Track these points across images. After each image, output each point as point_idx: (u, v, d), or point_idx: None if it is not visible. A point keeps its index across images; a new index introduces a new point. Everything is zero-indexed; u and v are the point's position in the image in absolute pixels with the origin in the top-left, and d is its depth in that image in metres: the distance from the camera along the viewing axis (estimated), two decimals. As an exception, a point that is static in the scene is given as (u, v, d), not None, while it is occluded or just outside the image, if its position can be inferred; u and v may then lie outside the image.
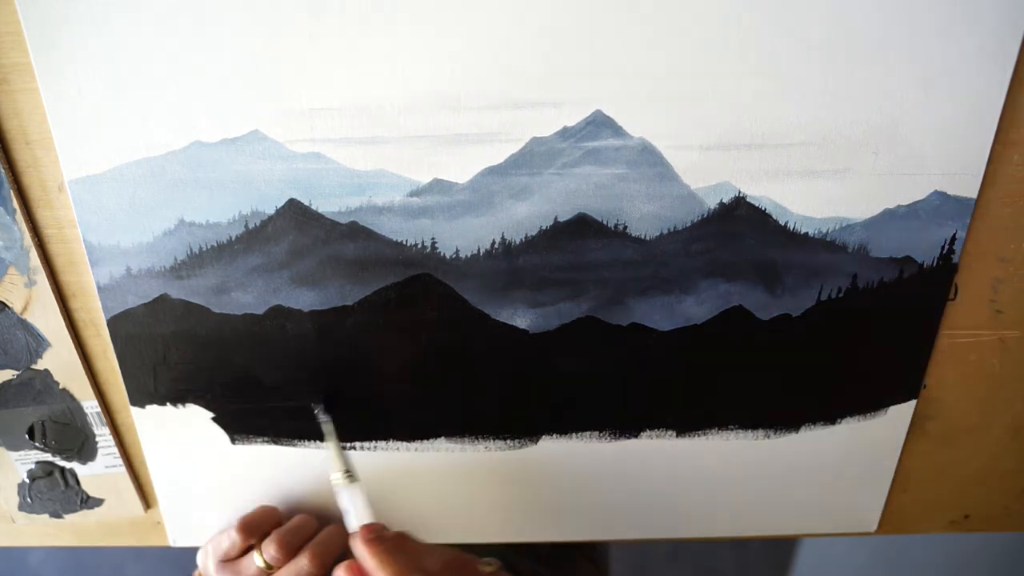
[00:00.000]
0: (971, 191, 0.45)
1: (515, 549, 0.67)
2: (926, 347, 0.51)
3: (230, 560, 0.53)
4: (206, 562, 0.54)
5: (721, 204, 0.46)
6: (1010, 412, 0.56)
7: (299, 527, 0.54)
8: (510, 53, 0.42)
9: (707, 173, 0.45)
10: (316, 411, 0.52)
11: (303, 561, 0.51)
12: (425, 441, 0.55)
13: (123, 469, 0.57)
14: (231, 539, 0.53)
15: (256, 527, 0.53)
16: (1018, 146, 0.45)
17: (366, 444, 0.55)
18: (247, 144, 0.44)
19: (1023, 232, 0.48)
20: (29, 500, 0.58)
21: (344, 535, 0.52)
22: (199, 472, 0.56)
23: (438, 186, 0.45)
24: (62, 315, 0.50)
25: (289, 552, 0.52)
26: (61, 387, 0.53)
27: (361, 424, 0.54)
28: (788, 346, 0.51)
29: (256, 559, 0.51)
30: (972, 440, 0.57)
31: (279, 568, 0.51)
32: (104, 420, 0.54)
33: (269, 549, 0.51)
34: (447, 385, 0.52)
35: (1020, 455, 0.58)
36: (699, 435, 0.55)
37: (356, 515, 0.49)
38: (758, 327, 0.50)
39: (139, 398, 0.52)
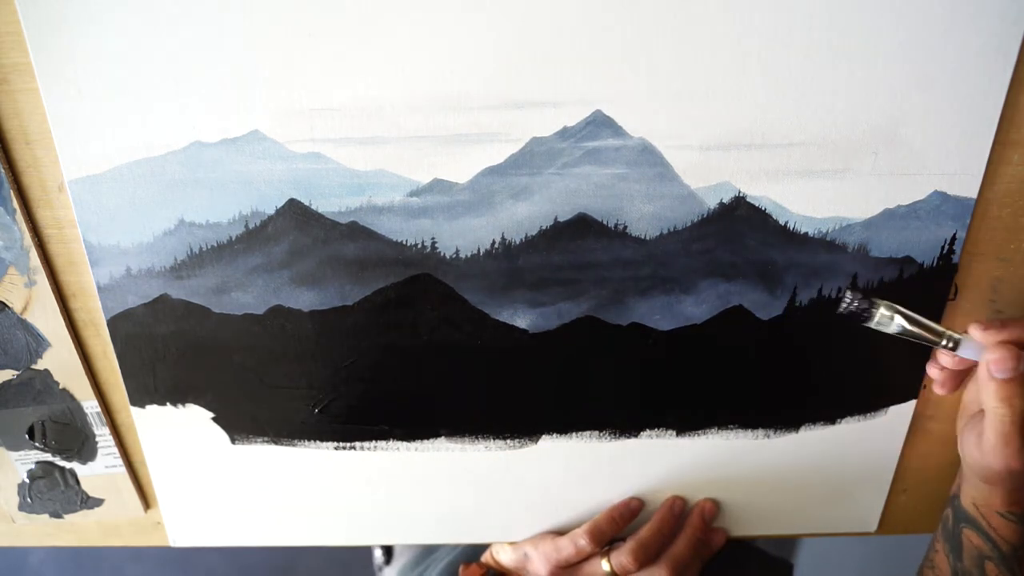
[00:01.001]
0: (971, 191, 0.45)
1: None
2: (926, 347, 0.51)
3: (570, 566, 0.53)
4: (535, 568, 0.53)
5: (721, 204, 0.46)
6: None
7: (654, 536, 0.53)
8: (510, 53, 0.42)
9: (707, 173, 0.45)
10: (851, 299, 0.47)
11: (657, 573, 0.50)
12: (425, 441, 0.55)
13: (123, 469, 0.57)
14: (577, 546, 0.53)
15: (605, 535, 0.54)
16: (1018, 146, 0.45)
17: (366, 444, 0.55)
18: (247, 144, 0.44)
19: (1023, 232, 0.48)
20: (29, 500, 0.58)
21: (696, 546, 0.52)
22: (199, 472, 0.56)
23: (438, 186, 0.45)
24: (62, 315, 0.50)
25: (644, 564, 0.51)
26: (61, 387, 0.53)
27: (361, 424, 0.54)
28: (788, 346, 0.51)
29: (603, 565, 0.51)
30: (972, 440, 0.57)
31: None
32: (104, 420, 0.54)
33: (621, 558, 0.51)
34: (447, 385, 0.52)
35: (1020, 455, 0.58)
36: (699, 435, 0.55)
37: (971, 345, 0.45)
38: (758, 327, 0.50)
39: (139, 398, 0.52)
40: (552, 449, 0.55)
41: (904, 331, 0.46)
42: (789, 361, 0.51)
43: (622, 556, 0.52)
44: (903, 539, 0.64)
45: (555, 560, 0.53)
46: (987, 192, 0.46)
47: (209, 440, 0.54)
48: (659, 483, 0.57)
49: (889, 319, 0.46)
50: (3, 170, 0.45)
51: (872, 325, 0.47)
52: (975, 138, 0.44)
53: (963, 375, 0.49)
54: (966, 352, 0.45)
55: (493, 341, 0.50)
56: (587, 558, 0.54)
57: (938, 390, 0.49)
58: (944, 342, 0.45)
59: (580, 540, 0.53)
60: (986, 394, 0.42)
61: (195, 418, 0.53)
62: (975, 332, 0.43)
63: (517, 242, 0.47)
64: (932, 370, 0.49)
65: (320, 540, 0.60)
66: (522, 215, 0.46)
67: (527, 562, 0.55)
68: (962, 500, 0.50)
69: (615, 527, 0.55)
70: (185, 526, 0.59)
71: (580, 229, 0.47)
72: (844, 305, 0.47)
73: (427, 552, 0.77)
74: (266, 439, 0.54)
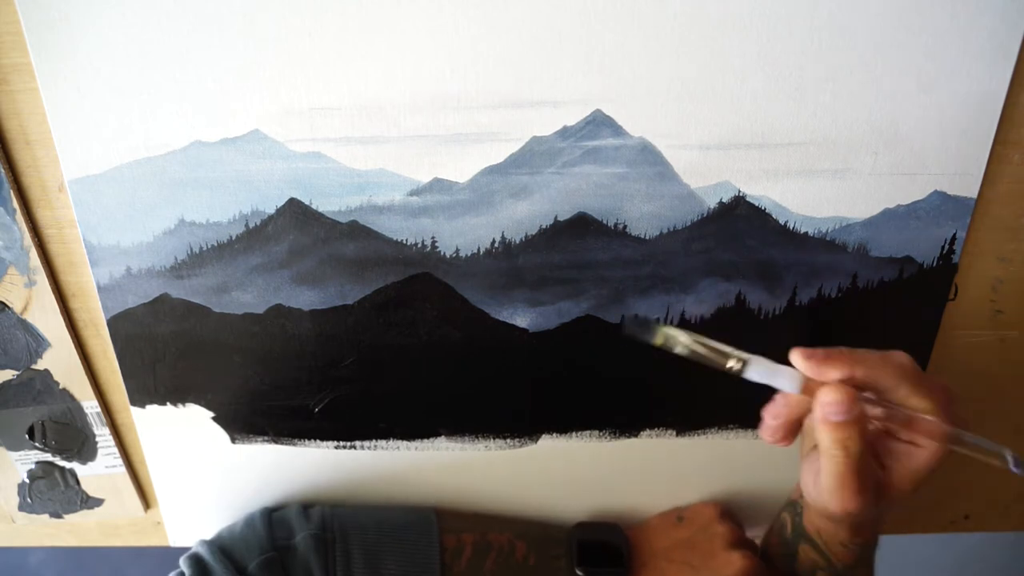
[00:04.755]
0: (971, 191, 0.45)
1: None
2: (926, 347, 0.51)
3: None
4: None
5: (721, 203, 0.46)
6: (1010, 412, 0.56)
7: None
8: (510, 53, 0.42)
9: (707, 172, 0.45)
10: (629, 322, 0.45)
11: None
12: (425, 440, 0.55)
13: (123, 469, 0.57)
14: None
15: None
16: (1018, 146, 0.45)
17: (366, 443, 0.55)
18: (247, 144, 0.44)
19: (1023, 232, 0.48)
20: (29, 500, 0.58)
21: None
22: (199, 472, 0.56)
23: (438, 185, 0.45)
24: (62, 315, 0.50)
25: None
26: (61, 387, 0.53)
27: (361, 423, 0.54)
28: (787, 346, 0.51)
29: None
30: (972, 440, 0.57)
31: None
32: (104, 420, 0.54)
33: None
34: (447, 384, 0.52)
35: (1020, 455, 0.58)
36: (699, 434, 0.55)
37: (780, 372, 0.39)
38: (758, 326, 0.50)
39: (139, 398, 0.52)
40: (552, 448, 0.55)
41: (691, 352, 0.40)
42: (788, 361, 0.51)
43: None
44: (903, 539, 0.64)
45: None
46: (987, 192, 0.46)
47: (209, 439, 0.54)
48: (659, 482, 0.57)
49: (674, 338, 0.40)
50: (3, 170, 0.45)
51: (659, 344, 0.41)
52: (975, 138, 0.44)
53: (798, 426, 0.42)
54: (759, 377, 0.39)
55: (493, 340, 0.50)
56: None
57: (767, 438, 0.42)
58: (731, 364, 0.39)
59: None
60: (820, 436, 0.38)
61: (195, 418, 0.53)
62: (797, 360, 0.38)
63: (517, 241, 0.47)
64: (766, 417, 0.42)
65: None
66: (522, 214, 0.46)
67: None
68: (804, 522, 0.47)
69: None
70: (185, 526, 0.59)
71: (580, 228, 0.47)
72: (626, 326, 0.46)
73: None
74: (266, 438, 0.54)
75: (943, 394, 0.37)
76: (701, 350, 0.40)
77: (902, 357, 0.38)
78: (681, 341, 0.40)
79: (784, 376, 0.39)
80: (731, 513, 0.56)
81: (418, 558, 0.52)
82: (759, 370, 0.39)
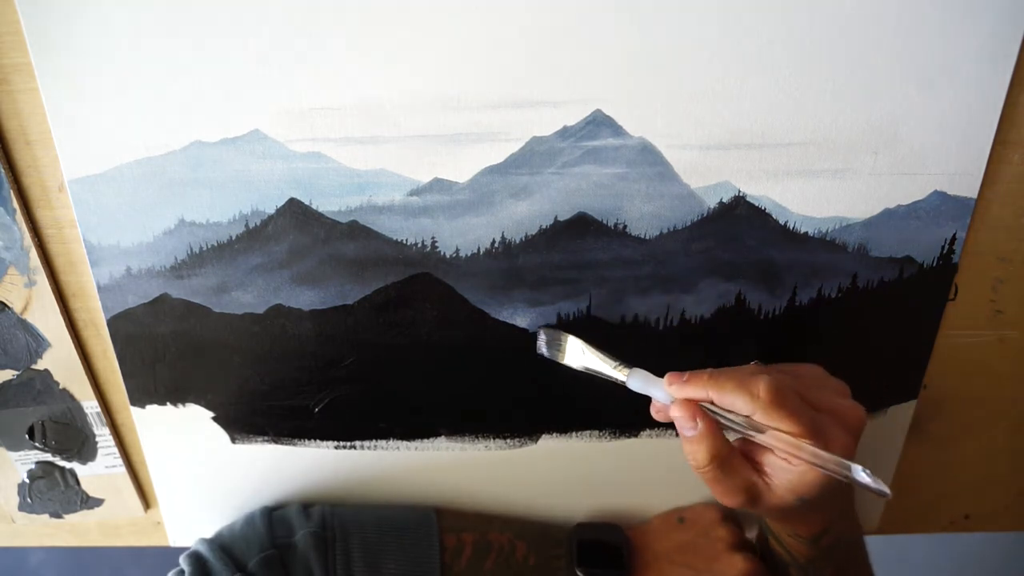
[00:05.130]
0: (971, 191, 0.45)
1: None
2: (926, 347, 0.51)
3: None
4: None
5: (721, 203, 0.46)
6: (1010, 412, 0.56)
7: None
8: (510, 53, 0.42)
9: (707, 172, 0.45)
10: (539, 331, 0.47)
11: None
12: (425, 440, 0.54)
13: (123, 469, 0.57)
14: None
15: None
16: (1018, 146, 0.45)
17: (366, 443, 0.55)
18: (247, 144, 0.44)
19: (1023, 232, 0.48)
20: (29, 500, 0.58)
21: None
22: (199, 472, 0.56)
23: (438, 185, 0.45)
24: (62, 315, 0.50)
25: None
26: (61, 387, 0.53)
27: (361, 423, 0.54)
28: (787, 346, 0.51)
29: None
30: (972, 440, 0.57)
31: None
32: (104, 420, 0.54)
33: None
34: (447, 384, 0.52)
35: (1020, 455, 0.58)
36: (699, 435, 0.55)
37: (656, 384, 0.43)
38: (758, 326, 0.50)
39: (139, 398, 0.52)
40: (552, 448, 0.55)
41: (587, 368, 0.45)
42: (789, 361, 0.51)
43: None
44: (903, 539, 0.64)
45: None
46: (987, 192, 0.46)
47: (209, 439, 0.54)
48: (659, 483, 0.57)
49: (581, 354, 0.46)
50: (3, 170, 0.45)
51: (564, 361, 0.47)
52: (975, 138, 0.44)
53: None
54: (640, 387, 0.43)
55: (493, 340, 0.50)
56: None
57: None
58: (617, 375, 0.44)
59: None
60: (682, 441, 0.42)
61: (195, 418, 0.53)
62: (666, 381, 0.42)
63: (517, 241, 0.47)
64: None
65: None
66: (522, 214, 0.46)
67: None
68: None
69: None
70: (185, 526, 0.59)
71: (580, 228, 0.47)
72: (540, 343, 0.48)
73: None
74: (266, 438, 0.54)
75: (802, 414, 0.39)
76: (590, 363, 0.45)
77: (761, 386, 0.39)
78: (572, 351, 0.46)
79: (658, 388, 0.42)
80: (733, 515, 0.56)
81: (418, 557, 0.52)
82: (638, 382, 0.43)
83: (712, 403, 0.41)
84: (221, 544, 0.50)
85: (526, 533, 0.55)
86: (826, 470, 0.38)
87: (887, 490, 0.37)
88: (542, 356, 0.48)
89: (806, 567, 0.48)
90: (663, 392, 0.42)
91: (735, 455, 0.41)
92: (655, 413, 0.44)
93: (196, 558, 0.49)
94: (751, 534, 0.57)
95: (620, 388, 0.52)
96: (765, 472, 0.41)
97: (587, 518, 0.59)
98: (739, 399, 0.39)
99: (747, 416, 0.40)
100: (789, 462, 0.40)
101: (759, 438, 0.40)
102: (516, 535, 0.55)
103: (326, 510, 0.53)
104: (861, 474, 0.38)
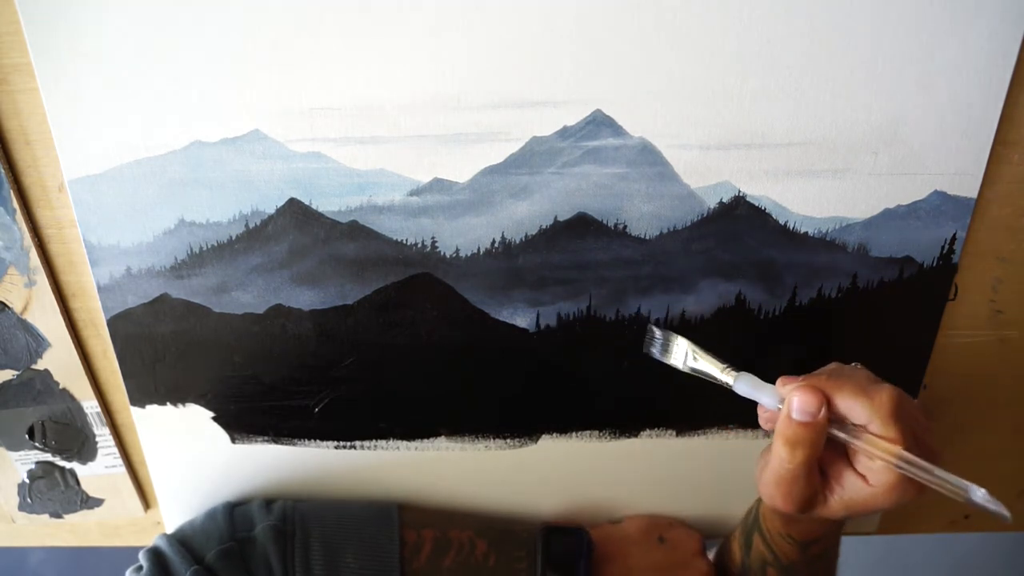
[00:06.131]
0: (971, 191, 0.45)
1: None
2: (926, 347, 0.51)
3: None
4: None
5: (721, 203, 0.46)
6: (1010, 412, 0.56)
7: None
8: (510, 53, 0.42)
9: (707, 172, 0.45)
10: (650, 328, 0.45)
11: None
12: (425, 440, 0.54)
13: (123, 469, 0.57)
14: None
15: None
16: (1018, 146, 0.45)
17: (366, 443, 0.54)
18: (247, 144, 0.44)
19: (1023, 232, 0.48)
20: (29, 500, 0.58)
21: None
22: (199, 471, 0.56)
23: (438, 185, 0.45)
24: (62, 315, 0.50)
25: None
26: (61, 387, 0.53)
27: (361, 423, 0.54)
28: (787, 345, 0.51)
29: None
30: (972, 440, 0.57)
31: None
32: (104, 420, 0.54)
33: None
34: (447, 384, 0.52)
35: (1020, 455, 0.58)
36: (699, 435, 0.55)
37: (764, 388, 0.41)
38: (758, 326, 0.50)
39: (139, 398, 0.52)
40: (552, 448, 0.55)
41: (693, 370, 0.44)
42: (790, 360, 0.51)
43: None
44: (903, 539, 0.64)
45: None
46: (987, 192, 0.46)
47: (209, 439, 0.54)
48: (659, 483, 0.57)
49: (688, 356, 0.44)
50: (3, 170, 0.45)
51: (670, 361, 0.44)
52: (975, 138, 0.44)
53: None
54: (747, 391, 0.41)
55: (493, 340, 0.50)
56: None
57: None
58: (726, 380, 0.42)
59: None
60: (778, 431, 0.39)
61: (195, 418, 0.53)
62: (779, 383, 0.40)
63: (517, 241, 0.47)
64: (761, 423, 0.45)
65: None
66: (522, 214, 0.46)
67: None
68: (760, 509, 0.49)
69: None
70: (185, 526, 0.59)
71: (580, 228, 0.47)
72: (648, 341, 0.46)
73: None
74: (266, 438, 0.54)
75: (911, 430, 0.38)
76: (699, 365, 0.43)
77: (885, 394, 0.38)
78: (688, 361, 0.44)
79: (766, 393, 0.40)
80: (705, 548, 0.57)
81: (377, 552, 0.52)
82: (745, 386, 0.41)
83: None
84: (180, 538, 0.50)
85: (488, 532, 0.55)
86: (943, 490, 0.37)
87: (1007, 513, 0.36)
88: (648, 354, 0.46)
89: (787, 568, 0.48)
90: (771, 397, 0.40)
91: (817, 462, 0.39)
92: (763, 422, 0.42)
93: (154, 553, 0.49)
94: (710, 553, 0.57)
95: (622, 387, 0.53)
96: (831, 485, 0.40)
97: (588, 518, 0.59)
98: (858, 405, 0.38)
99: (861, 425, 0.38)
100: (866, 481, 0.38)
101: (866, 448, 0.38)
102: (477, 533, 0.54)
103: (287, 504, 0.53)
104: (981, 497, 0.36)
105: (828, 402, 0.38)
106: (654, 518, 0.58)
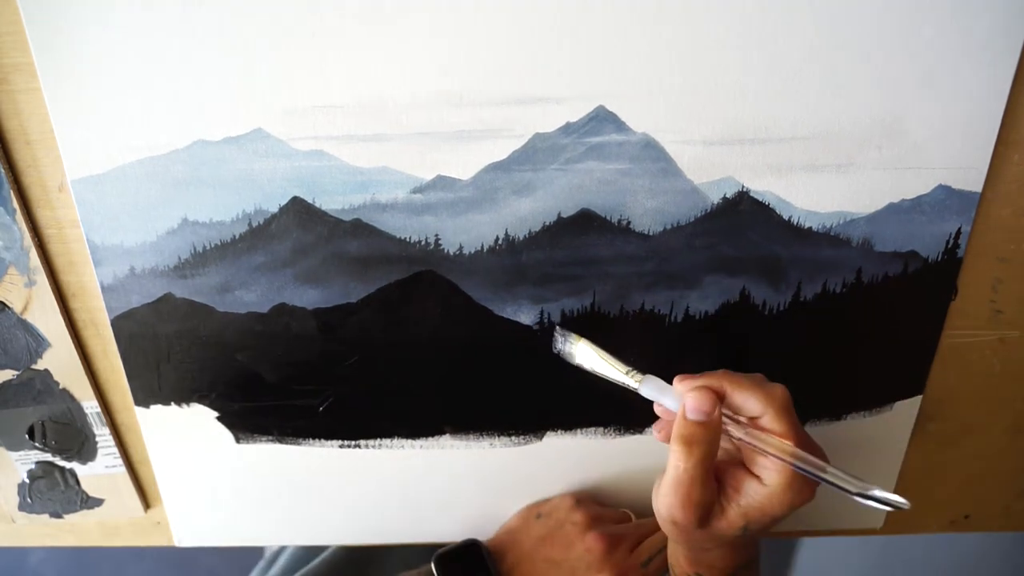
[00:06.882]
0: (976, 185, 0.45)
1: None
2: (932, 341, 0.51)
3: None
4: None
5: (724, 199, 0.46)
6: (1010, 412, 0.56)
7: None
8: (512, 49, 0.42)
9: (710, 168, 0.45)
10: (557, 328, 0.46)
11: None
12: (430, 439, 0.54)
13: (123, 469, 0.57)
14: None
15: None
16: (1019, 146, 0.45)
17: (371, 442, 0.54)
18: (250, 142, 0.44)
19: (1023, 232, 0.48)
20: (29, 500, 0.58)
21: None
22: (204, 472, 0.56)
23: (441, 183, 0.45)
24: (62, 315, 0.50)
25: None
26: (61, 387, 0.53)
27: (365, 422, 0.54)
28: (792, 341, 0.51)
29: None
30: (972, 440, 0.57)
31: None
32: (104, 420, 0.54)
33: None
34: (451, 382, 0.52)
35: (1020, 455, 0.58)
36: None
37: (668, 391, 0.42)
38: (762, 322, 0.50)
39: (143, 398, 0.52)
40: (557, 445, 0.55)
41: (595, 372, 0.44)
42: (793, 356, 0.51)
43: None
44: (903, 539, 0.64)
45: None
46: (988, 192, 0.46)
47: (214, 439, 0.54)
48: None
49: (590, 359, 0.44)
50: (3, 170, 0.45)
51: (576, 363, 0.45)
52: (979, 132, 0.44)
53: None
54: (651, 394, 0.42)
55: (497, 337, 0.50)
56: None
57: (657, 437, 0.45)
58: (629, 382, 0.42)
59: None
60: (674, 432, 0.40)
61: (199, 417, 0.53)
62: (676, 382, 0.41)
63: (520, 238, 0.47)
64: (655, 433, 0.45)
65: (325, 539, 0.60)
66: (525, 211, 0.46)
67: None
68: (668, 555, 0.49)
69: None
70: (190, 526, 0.59)
71: (583, 225, 0.47)
72: (555, 342, 0.46)
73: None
74: (271, 438, 0.54)
75: (801, 428, 0.40)
76: (601, 368, 0.44)
77: (778, 390, 0.40)
78: (582, 355, 0.44)
79: (670, 396, 0.41)
80: (589, 498, 0.56)
81: None
82: (650, 389, 0.42)
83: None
84: None
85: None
86: (835, 487, 0.37)
87: (904, 501, 0.36)
88: (559, 354, 0.46)
89: None
90: (674, 400, 0.41)
91: (713, 466, 0.40)
92: (657, 431, 0.43)
93: None
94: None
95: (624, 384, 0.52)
96: (727, 492, 0.40)
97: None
98: (753, 397, 0.39)
99: (754, 418, 0.39)
100: (761, 481, 0.39)
101: (760, 444, 0.39)
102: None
103: None
104: (877, 493, 0.36)
105: (724, 395, 0.40)
106: (531, 504, 0.58)
